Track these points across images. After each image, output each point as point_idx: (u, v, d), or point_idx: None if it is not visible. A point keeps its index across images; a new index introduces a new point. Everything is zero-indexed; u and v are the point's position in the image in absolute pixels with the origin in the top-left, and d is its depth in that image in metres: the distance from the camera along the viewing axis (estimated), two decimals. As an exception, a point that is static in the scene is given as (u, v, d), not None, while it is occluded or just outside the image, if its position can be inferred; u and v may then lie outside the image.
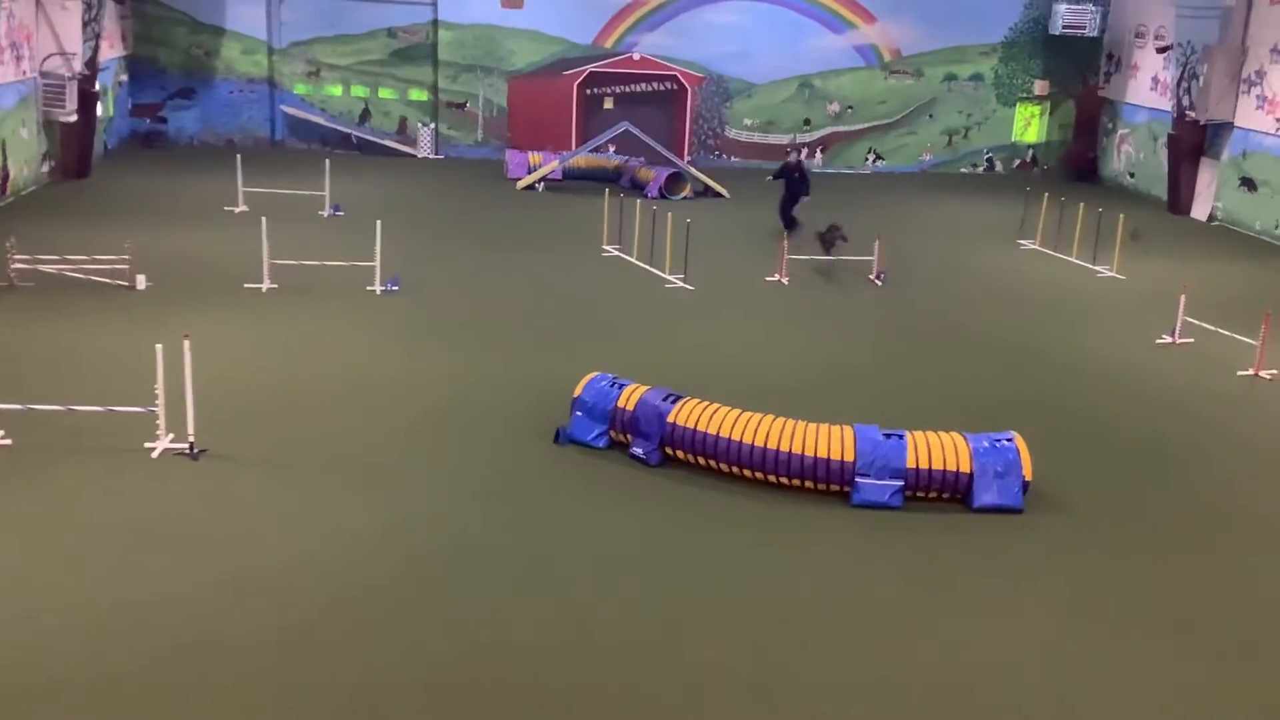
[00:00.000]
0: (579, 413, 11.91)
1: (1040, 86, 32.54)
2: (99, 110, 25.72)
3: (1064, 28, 31.05)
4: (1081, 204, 23.05)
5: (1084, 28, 31.01)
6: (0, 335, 13.16)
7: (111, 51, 27.63)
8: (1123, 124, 31.22)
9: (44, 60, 23.38)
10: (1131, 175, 30.70)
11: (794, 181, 22.38)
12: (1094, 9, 30.92)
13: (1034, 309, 18.30)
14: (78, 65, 23.98)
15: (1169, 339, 16.64)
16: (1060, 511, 10.92)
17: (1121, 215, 21.84)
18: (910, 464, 10.75)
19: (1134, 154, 30.68)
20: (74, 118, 23.96)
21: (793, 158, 22.82)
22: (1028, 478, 10.82)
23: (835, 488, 10.88)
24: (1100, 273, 20.77)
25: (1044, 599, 9.31)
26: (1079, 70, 32.34)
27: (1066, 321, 17.64)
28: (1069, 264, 21.43)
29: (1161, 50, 29.27)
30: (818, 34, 31.59)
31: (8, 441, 11.11)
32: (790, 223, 22.10)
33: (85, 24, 24.22)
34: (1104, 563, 10.00)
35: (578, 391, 11.99)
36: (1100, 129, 32.31)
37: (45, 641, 8.01)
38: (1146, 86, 30.11)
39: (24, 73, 22.76)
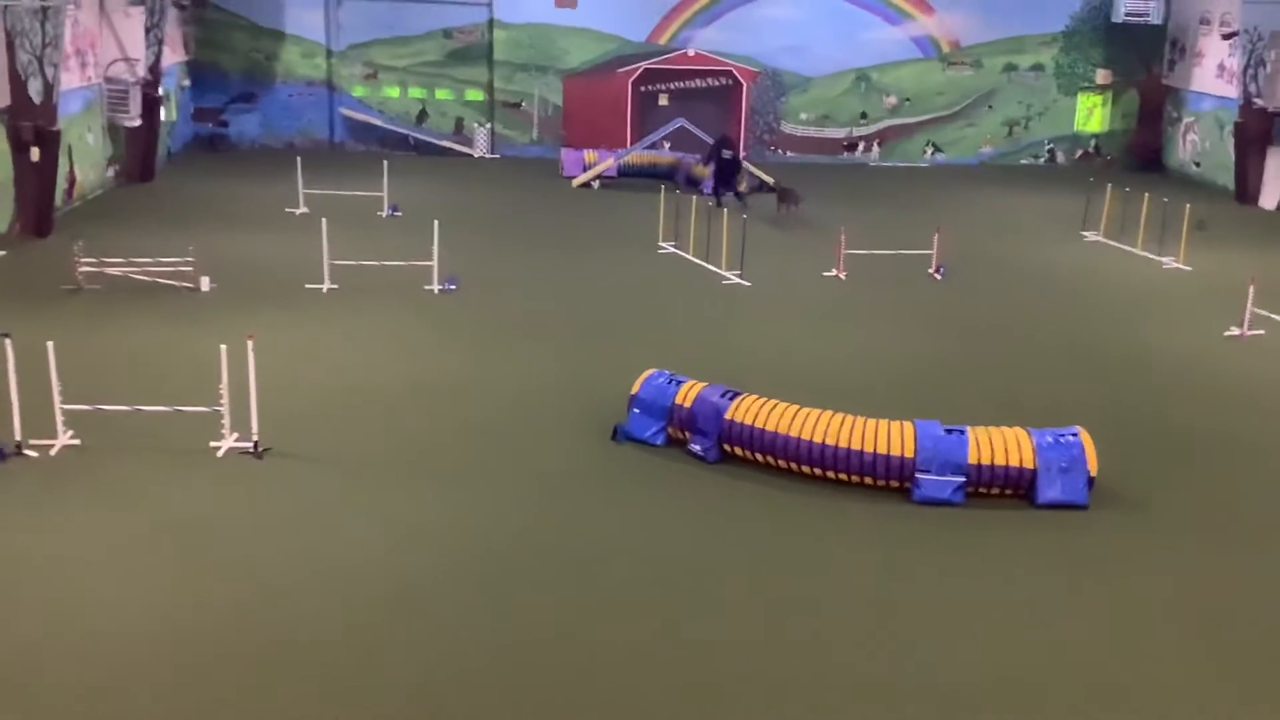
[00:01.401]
0: (636, 410, 11.89)
1: (1102, 75, 32.01)
2: (162, 115, 26.14)
3: (1126, 15, 30.50)
4: (1146, 194, 22.63)
5: (1147, 15, 30.43)
6: (68, 338, 13.40)
7: (174, 57, 28.07)
8: (1188, 113, 30.64)
9: (108, 66, 23.80)
10: (1197, 164, 30.11)
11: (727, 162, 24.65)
12: (1157, -4, 30.38)
13: (1098, 301, 18.00)
14: (141, 71, 24.39)
15: (1238, 331, 16.29)
16: (1126, 508, 10.73)
17: (1187, 205, 21.42)
18: (972, 459, 10.62)
19: (1200, 143, 30.10)
20: (138, 122, 24.38)
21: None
22: (1093, 474, 10.65)
23: (896, 484, 10.79)
24: (1166, 264, 20.39)
25: (1110, 598, 9.14)
26: (1142, 59, 31.77)
27: (1132, 314, 17.33)
28: (1134, 255, 21.06)
29: (1227, 37, 28.66)
30: (874, 26, 31.32)
31: (76, 441, 11.32)
32: (720, 194, 24.23)
33: (148, 30, 24.66)
34: (1171, 561, 9.80)
35: (635, 388, 11.98)
36: (1165, 118, 31.73)
37: (114, 640, 8.14)
38: (1212, 74, 29.50)
39: (89, 79, 23.19)
